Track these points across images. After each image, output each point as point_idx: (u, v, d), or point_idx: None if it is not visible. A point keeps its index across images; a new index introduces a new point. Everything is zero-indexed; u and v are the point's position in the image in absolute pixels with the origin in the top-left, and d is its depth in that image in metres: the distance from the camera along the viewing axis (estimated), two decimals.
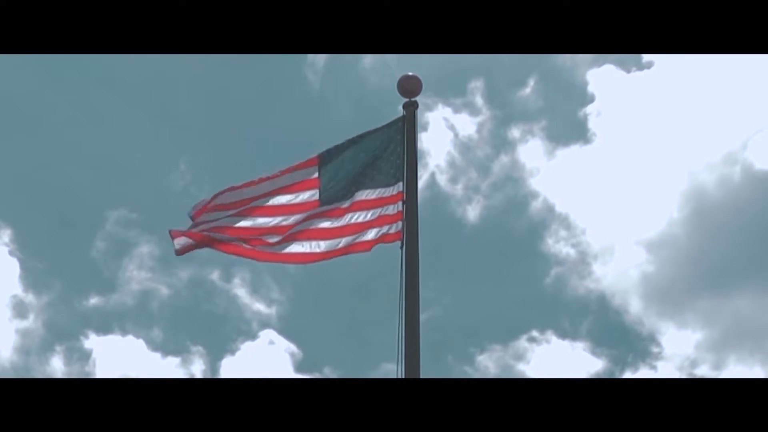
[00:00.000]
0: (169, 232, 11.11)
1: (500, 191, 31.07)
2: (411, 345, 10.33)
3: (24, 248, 29.99)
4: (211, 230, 11.12)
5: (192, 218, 11.21)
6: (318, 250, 11.18)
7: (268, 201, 11.23)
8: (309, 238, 11.19)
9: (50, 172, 31.12)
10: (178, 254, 11.09)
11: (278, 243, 11.17)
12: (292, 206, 11.22)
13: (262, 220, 11.19)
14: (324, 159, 11.30)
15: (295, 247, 11.23)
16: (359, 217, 11.17)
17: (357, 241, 11.13)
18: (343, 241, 11.19)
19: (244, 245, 11.20)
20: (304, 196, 11.23)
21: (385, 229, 11.08)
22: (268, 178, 11.24)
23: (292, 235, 11.19)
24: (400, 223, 11.01)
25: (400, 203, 11.07)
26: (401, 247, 10.88)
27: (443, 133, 30.42)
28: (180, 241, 11.07)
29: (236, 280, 29.53)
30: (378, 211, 11.14)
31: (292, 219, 11.20)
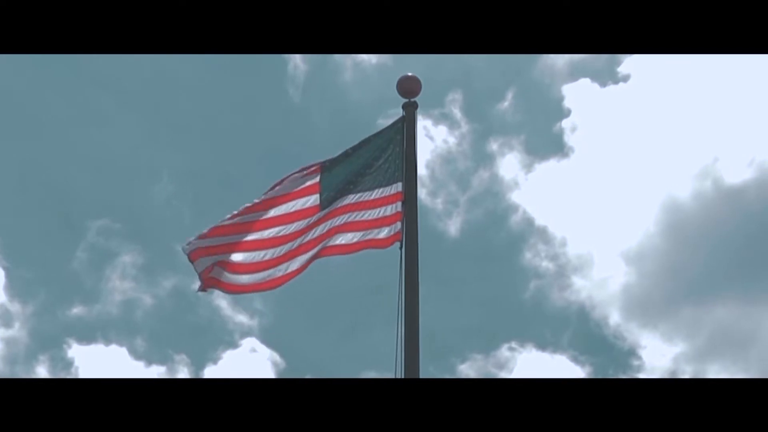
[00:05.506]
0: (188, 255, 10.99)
1: (479, 205, 31.20)
2: (410, 345, 10.35)
3: (10, 257, 30.00)
4: (219, 266, 11.03)
5: (189, 256, 11.03)
6: (317, 249, 11.20)
7: (268, 213, 11.15)
8: (310, 249, 11.20)
9: (37, 178, 31.11)
10: (201, 290, 11.13)
11: (281, 263, 11.15)
12: (292, 214, 11.17)
13: (262, 233, 11.12)
14: (326, 167, 11.26)
15: (299, 261, 11.22)
16: (359, 216, 11.17)
17: (359, 240, 11.15)
18: (340, 239, 11.21)
19: (249, 278, 11.13)
20: (304, 203, 11.19)
21: (385, 231, 11.10)
22: (271, 190, 11.19)
23: (293, 251, 11.18)
24: (399, 224, 11.03)
25: (399, 203, 11.10)
26: (401, 248, 10.91)
27: (422, 146, 30.49)
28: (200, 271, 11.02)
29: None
30: (378, 212, 11.16)
31: (293, 227, 11.16)
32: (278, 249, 11.15)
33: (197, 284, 11.12)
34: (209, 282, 11.08)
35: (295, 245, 11.19)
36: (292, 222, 11.15)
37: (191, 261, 10.96)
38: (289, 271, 11.18)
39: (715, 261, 30.05)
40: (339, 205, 11.23)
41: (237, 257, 11.09)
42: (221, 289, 11.23)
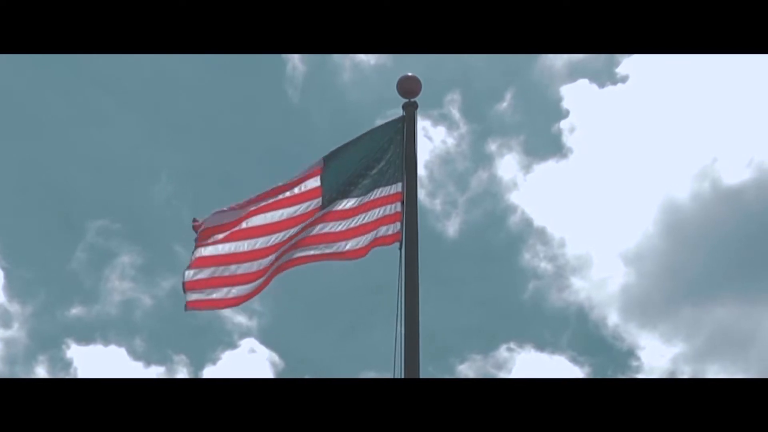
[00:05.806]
0: (183, 284, 10.96)
1: (478, 206, 31.22)
2: (410, 345, 10.36)
3: (10, 257, 30.03)
4: (219, 283, 11.00)
5: (196, 238, 11.00)
6: (316, 252, 11.20)
7: (271, 217, 11.11)
8: (308, 245, 11.20)
9: (37, 178, 31.15)
10: (189, 308, 11.06)
11: (278, 258, 11.14)
12: (295, 218, 11.12)
13: (265, 239, 11.10)
14: (326, 162, 11.23)
15: (295, 254, 11.23)
16: (360, 220, 11.17)
17: (357, 246, 11.14)
18: (344, 245, 11.18)
19: (251, 285, 11.11)
20: (306, 207, 11.14)
21: (383, 230, 11.11)
22: (272, 192, 11.18)
23: (292, 247, 11.18)
24: (398, 224, 11.04)
25: (398, 204, 11.11)
26: (400, 248, 10.92)
27: (421, 146, 30.44)
28: (192, 296, 10.98)
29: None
30: (377, 212, 11.16)
31: (294, 230, 11.13)
32: (278, 253, 11.14)
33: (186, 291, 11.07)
34: (203, 304, 11.07)
35: (295, 242, 11.20)
36: (295, 225, 11.14)
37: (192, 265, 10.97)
38: (270, 275, 11.18)
39: (714, 261, 30.11)
40: (336, 208, 11.21)
41: (243, 267, 11.07)
42: (224, 306, 11.26)
